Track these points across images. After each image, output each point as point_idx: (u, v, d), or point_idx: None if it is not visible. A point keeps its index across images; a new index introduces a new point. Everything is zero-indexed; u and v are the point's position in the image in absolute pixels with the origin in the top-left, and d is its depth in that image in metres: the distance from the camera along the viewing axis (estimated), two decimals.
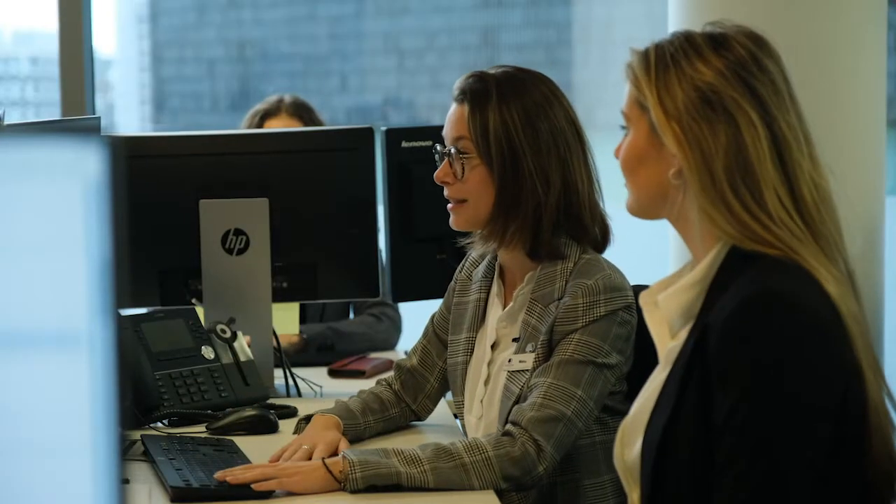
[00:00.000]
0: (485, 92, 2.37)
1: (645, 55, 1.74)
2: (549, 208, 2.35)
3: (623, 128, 1.80)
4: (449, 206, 2.43)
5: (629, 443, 1.79)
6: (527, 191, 2.35)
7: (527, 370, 2.34)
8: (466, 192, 2.40)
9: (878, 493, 1.68)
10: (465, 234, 2.50)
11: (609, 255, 2.43)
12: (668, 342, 1.76)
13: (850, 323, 1.65)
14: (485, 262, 2.52)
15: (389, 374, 2.64)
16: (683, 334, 1.72)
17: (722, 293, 1.67)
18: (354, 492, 2.13)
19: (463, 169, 2.39)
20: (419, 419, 2.63)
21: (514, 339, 2.40)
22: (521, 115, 2.36)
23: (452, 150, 2.40)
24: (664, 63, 1.72)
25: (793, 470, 1.59)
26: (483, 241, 2.42)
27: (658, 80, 1.71)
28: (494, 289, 2.48)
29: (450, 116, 2.43)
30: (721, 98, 1.68)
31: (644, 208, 1.79)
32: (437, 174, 2.42)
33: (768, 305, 1.61)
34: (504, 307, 2.44)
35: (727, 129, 1.67)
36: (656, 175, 1.74)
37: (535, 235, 2.36)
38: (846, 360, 1.64)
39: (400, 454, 2.17)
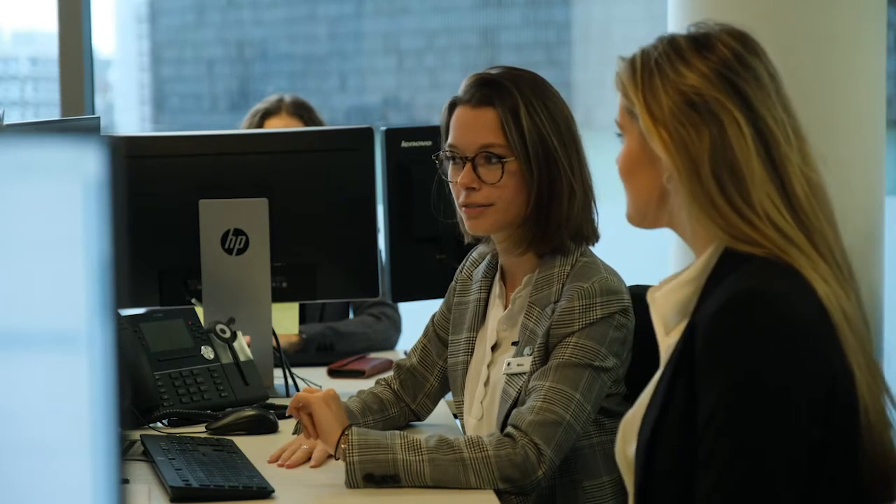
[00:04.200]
0: (507, 92, 2.34)
1: (631, 63, 1.75)
2: (579, 200, 2.35)
3: (619, 136, 1.81)
4: (468, 210, 2.37)
5: (630, 439, 1.80)
6: (561, 186, 2.34)
7: (524, 373, 2.33)
8: (496, 197, 2.35)
9: (873, 494, 1.68)
10: (466, 241, 2.49)
11: (609, 255, 2.43)
12: (665, 339, 1.77)
13: (840, 323, 1.65)
14: (485, 262, 2.52)
15: (389, 374, 2.64)
16: (679, 331, 1.73)
17: (713, 292, 1.68)
18: (351, 484, 2.15)
19: (502, 173, 2.35)
20: (418, 419, 2.62)
21: (514, 343, 2.40)
22: (545, 112, 2.35)
23: (479, 156, 2.35)
24: (649, 69, 1.73)
25: (769, 469, 1.59)
26: (509, 245, 2.40)
27: (644, 86, 1.72)
28: (496, 290, 2.47)
29: (468, 121, 2.37)
30: (705, 100, 1.69)
31: (642, 216, 1.80)
32: (464, 180, 2.35)
33: (750, 305, 1.62)
34: (505, 308, 2.44)
35: (711, 131, 1.68)
36: (652, 181, 1.75)
37: (566, 231, 2.35)
38: (831, 361, 1.64)
39: (404, 438, 2.18)
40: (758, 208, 1.67)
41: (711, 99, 1.68)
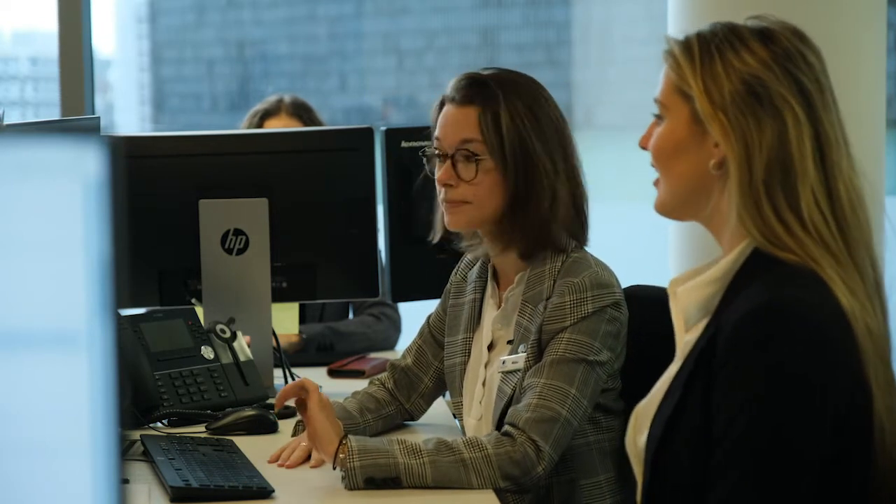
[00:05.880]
0: (491, 93, 2.36)
1: (687, 43, 1.70)
2: (562, 202, 2.35)
3: (656, 115, 1.75)
4: (446, 205, 2.41)
5: (641, 428, 1.77)
6: (540, 187, 2.34)
7: (519, 370, 2.34)
8: (472, 195, 2.37)
9: None
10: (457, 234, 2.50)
11: (609, 255, 2.43)
12: (683, 335, 1.74)
13: (863, 338, 1.62)
14: (479, 264, 2.52)
15: (383, 374, 2.64)
16: (700, 329, 1.71)
17: (739, 293, 1.65)
18: (352, 487, 2.14)
19: (476, 171, 2.36)
20: (412, 419, 2.63)
21: (509, 342, 2.40)
22: (527, 112, 2.35)
23: (457, 153, 2.38)
24: (709, 52, 1.68)
25: (790, 478, 1.57)
26: (490, 242, 2.41)
27: (703, 68, 1.67)
28: (489, 290, 2.48)
29: (450, 118, 2.40)
30: (769, 92, 1.65)
31: (678, 202, 1.75)
32: (442, 176, 2.39)
33: (779, 314, 1.59)
34: (498, 308, 2.44)
35: (773, 125, 1.65)
36: (696, 165, 1.71)
37: (546, 231, 2.35)
38: (851, 377, 1.61)
39: (402, 444, 2.18)
40: (804, 211, 1.64)
41: (775, 92, 1.65)
